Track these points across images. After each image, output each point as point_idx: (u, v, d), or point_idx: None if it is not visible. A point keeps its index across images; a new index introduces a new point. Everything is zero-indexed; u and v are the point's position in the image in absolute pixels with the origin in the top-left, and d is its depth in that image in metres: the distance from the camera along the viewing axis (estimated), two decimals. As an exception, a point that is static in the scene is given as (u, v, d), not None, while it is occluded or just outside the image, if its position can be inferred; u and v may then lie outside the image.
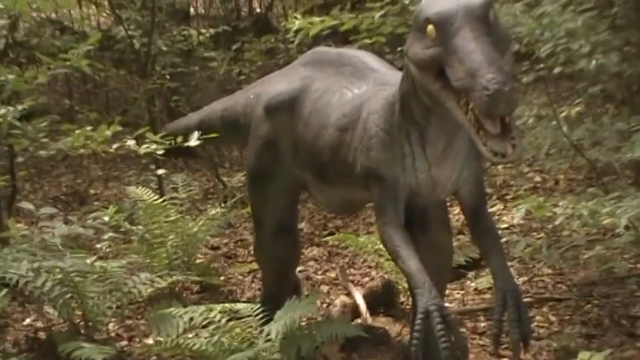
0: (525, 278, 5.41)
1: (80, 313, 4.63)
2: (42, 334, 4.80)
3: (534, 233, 6.05)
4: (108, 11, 11.35)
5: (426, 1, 3.16)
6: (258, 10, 13.80)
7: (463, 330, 4.66)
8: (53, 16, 11.44)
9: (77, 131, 4.61)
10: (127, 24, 8.72)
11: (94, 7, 12.05)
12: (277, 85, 4.35)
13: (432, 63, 3.03)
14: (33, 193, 8.79)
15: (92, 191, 8.84)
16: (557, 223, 4.45)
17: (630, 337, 4.44)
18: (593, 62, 4.85)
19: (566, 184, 7.21)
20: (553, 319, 4.83)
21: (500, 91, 2.73)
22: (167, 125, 5.84)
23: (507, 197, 7.10)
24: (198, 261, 6.05)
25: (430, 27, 3.01)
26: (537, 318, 4.81)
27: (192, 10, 12.54)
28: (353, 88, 3.89)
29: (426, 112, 3.36)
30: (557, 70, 5.56)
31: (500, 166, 7.61)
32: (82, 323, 4.65)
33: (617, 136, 5.09)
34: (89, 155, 9.06)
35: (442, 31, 2.96)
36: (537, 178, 7.43)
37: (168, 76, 8.98)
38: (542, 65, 5.86)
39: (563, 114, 5.62)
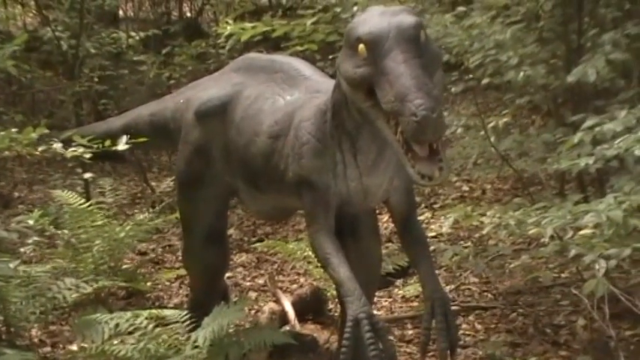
0: (452, 286, 5.46)
1: (2, 318, 4.52)
2: (-38, 340, 4.69)
3: (461, 242, 6.11)
4: (34, 11, 11.15)
5: (358, 19, 3.18)
6: (188, 14, 13.71)
7: (391, 338, 4.68)
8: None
9: (1, 133, 4.51)
10: (54, 25, 8.59)
11: (19, 6, 11.83)
12: (208, 90, 4.32)
13: (362, 82, 3.04)
14: (-46, 196, 8.58)
15: (16, 194, 8.65)
16: (484, 232, 4.50)
17: (554, 345, 4.52)
18: (521, 74, 4.93)
19: (492, 193, 7.30)
20: (479, 327, 4.88)
21: (427, 117, 2.76)
22: (80, 129, 5.69)
23: (435, 206, 7.16)
24: (124, 266, 5.96)
25: (361, 46, 3.01)
26: (464, 326, 4.86)
27: (121, 12, 12.39)
28: (285, 95, 3.88)
29: (358, 124, 3.37)
30: (485, 80, 5.63)
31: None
32: (3, 329, 4.54)
33: (543, 147, 5.18)
34: (13, 158, 8.87)
35: (373, 51, 2.98)
36: (465, 188, 7.51)
37: (96, 79, 8.87)
38: (471, 76, 5.94)
39: (490, 124, 5.69)
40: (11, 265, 4.54)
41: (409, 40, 2.96)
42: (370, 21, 3.07)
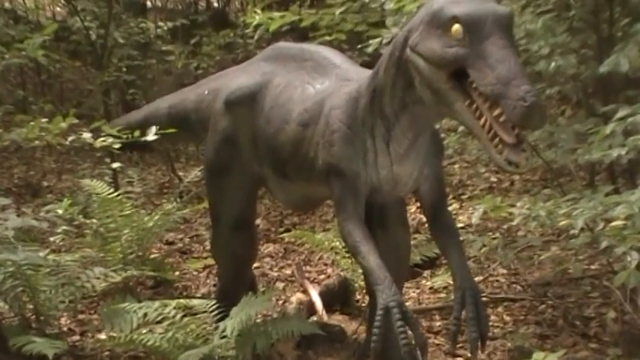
0: (481, 278, 5.44)
1: (32, 306, 4.55)
2: (-8, 328, 4.72)
3: (490, 233, 6.08)
4: (63, 1, 11.21)
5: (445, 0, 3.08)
6: (215, 4, 13.71)
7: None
8: (7, 5, 11.29)
9: (31, 122, 4.53)
10: (82, 15, 8.63)
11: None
12: (238, 79, 4.32)
13: (453, 63, 2.96)
14: (-16, 184, 8.65)
15: (45, 183, 8.72)
16: (514, 223, 4.46)
17: (584, 337, 4.49)
18: (553, 64, 4.88)
19: (521, 184, 7.26)
20: (507, 318, 4.86)
21: (537, 103, 2.71)
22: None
23: (463, 197, 7.14)
24: (152, 256, 6.00)
25: (457, 26, 2.93)
26: (492, 318, 4.83)
27: (148, 2, 12.42)
28: (315, 84, 3.86)
29: (399, 109, 3.34)
30: (515, 71, 5.56)
31: (456, 166, 7.65)
32: (33, 317, 4.57)
33: (573, 137, 5.14)
34: (43, 147, 8.94)
35: (471, 33, 2.90)
36: (493, 179, 7.47)
37: (124, 69, 8.90)
38: (501, 66, 5.86)
39: (520, 115, 5.62)
40: (40, 254, 4.56)
41: (506, 27, 2.92)
42: (463, 3, 2.99)
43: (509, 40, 2.90)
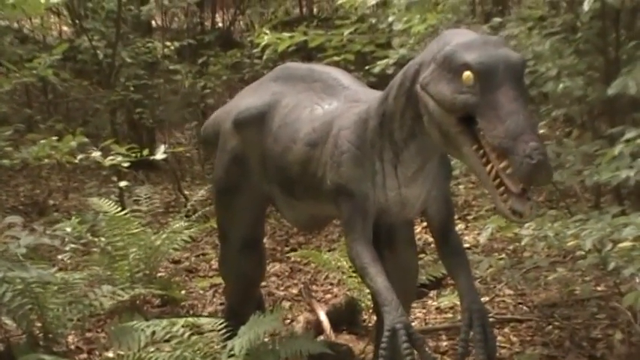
0: (487, 298, 5.44)
1: (40, 324, 4.56)
2: (0, 346, 4.72)
3: (496, 254, 6.09)
4: (70, 21, 11.27)
5: (457, 43, 3.05)
6: (220, 24, 13.78)
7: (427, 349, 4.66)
8: (15, 25, 11.34)
9: (42, 141, 4.56)
10: (90, 34, 8.69)
11: (55, 16, 11.95)
12: (246, 99, 4.33)
13: (462, 109, 2.95)
14: (-10, 203, 8.67)
15: (51, 202, 8.75)
16: (522, 243, 4.48)
17: (590, 359, 4.49)
18: (560, 85, 4.90)
19: (527, 205, 7.24)
20: (514, 339, 4.86)
21: (543, 161, 2.71)
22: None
23: (469, 217, 7.15)
24: (159, 274, 6.01)
25: (467, 73, 2.91)
26: (499, 338, 4.83)
27: (153, 22, 12.47)
28: (323, 104, 3.88)
29: (408, 136, 3.35)
30: (522, 92, 5.58)
31: (462, 186, 7.66)
32: (41, 335, 4.58)
33: (580, 158, 5.15)
34: (51, 166, 8.98)
35: (482, 82, 2.89)
36: (498, 199, 7.45)
37: (131, 88, 8.93)
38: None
39: (526, 136, 5.63)
40: (49, 272, 4.57)
41: (517, 76, 2.91)
42: (476, 49, 2.97)
43: (521, 90, 2.89)
